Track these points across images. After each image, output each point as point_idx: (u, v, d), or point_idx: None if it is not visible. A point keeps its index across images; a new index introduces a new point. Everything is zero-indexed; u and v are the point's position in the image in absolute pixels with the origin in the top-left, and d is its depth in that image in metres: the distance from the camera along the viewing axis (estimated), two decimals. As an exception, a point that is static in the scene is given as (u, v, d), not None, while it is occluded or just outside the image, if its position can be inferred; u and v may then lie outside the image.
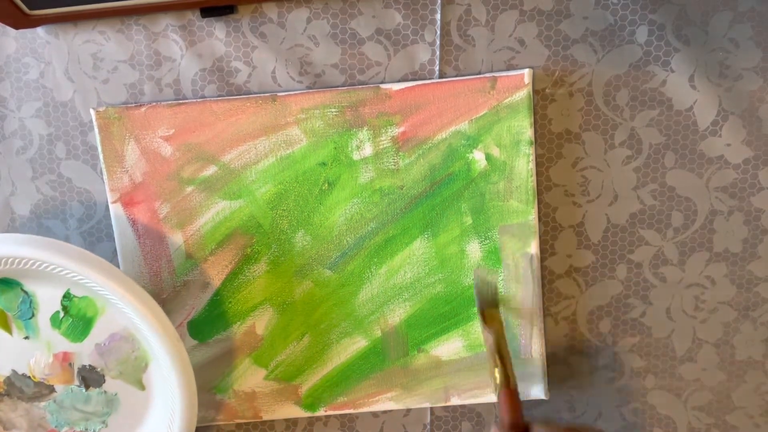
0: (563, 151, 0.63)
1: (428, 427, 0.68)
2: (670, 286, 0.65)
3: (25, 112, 0.63)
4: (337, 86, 0.62)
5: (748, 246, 0.64)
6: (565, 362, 0.67)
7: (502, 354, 0.58)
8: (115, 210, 0.62)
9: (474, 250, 0.63)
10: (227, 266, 0.63)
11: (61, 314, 0.60)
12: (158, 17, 0.61)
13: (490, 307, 0.62)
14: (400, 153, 0.61)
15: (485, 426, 0.68)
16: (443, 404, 0.66)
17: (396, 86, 0.60)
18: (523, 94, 0.60)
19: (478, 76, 0.60)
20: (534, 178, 0.61)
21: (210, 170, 0.62)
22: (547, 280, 0.65)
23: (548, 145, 0.62)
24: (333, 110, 0.60)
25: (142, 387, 0.62)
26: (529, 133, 0.60)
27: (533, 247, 0.62)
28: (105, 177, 0.62)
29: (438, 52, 0.61)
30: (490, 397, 0.66)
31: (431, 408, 0.68)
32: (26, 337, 0.60)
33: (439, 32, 0.61)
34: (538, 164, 0.62)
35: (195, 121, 0.61)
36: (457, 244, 0.63)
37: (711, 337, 0.66)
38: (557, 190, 0.63)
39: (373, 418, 0.68)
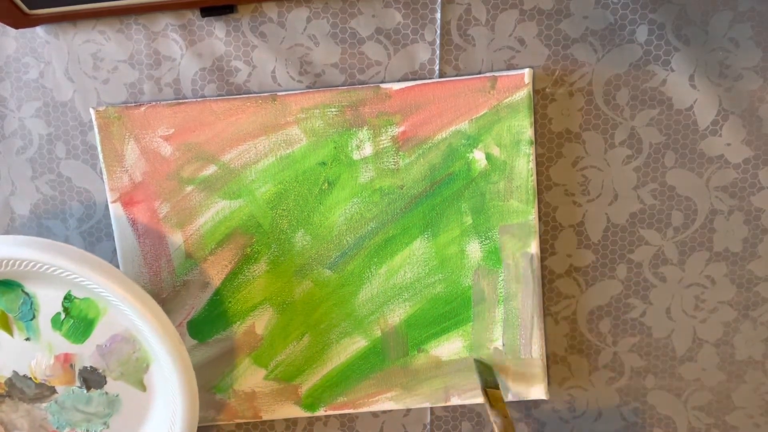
0: (563, 151, 0.63)
1: (428, 427, 0.68)
2: (670, 285, 0.65)
3: (25, 111, 0.63)
4: (337, 86, 0.62)
5: (748, 245, 0.64)
6: (565, 362, 0.67)
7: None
8: (115, 210, 0.62)
9: (474, 249, 0.63)
10: (227, 266, 0.63)
11: (62, 316, 0.59)
12: (158, 17, 0.61)
13: (491, 387, 0.63)
14: (400, 153, 0.61)
15: (485, 426, 0.68)
16: (443, 404, 0.66)
17: (396, 86, 0.60)
18: (523, 93, 0.60)
19: (478, 75, 0.60)
20: (534, 177, 0.61)
21: (210, 170, 0.62)
22: (547, 279, 0.65)
23: (548, 145, 0.62)
24: (333, 110, 0.60)
25: (144, 388, 0.62)
26: (529, 132, 0.60)
27: (533, 247, 0.62)
28: (105, 177, 0.62)
29: (438, 52, 0.61)
30: (490, 396, 0.66)
31: (431, 408, 0.68)
32: (27, 339, 0.60)
33: (439, 32, 0.61)
34: (538, 164, 0.62)
35: (195, 120, 0.61)
36: (458, 244, 0.63)
37: (711, 337, 0.66)
38: (557, 190, 0.63)
39: (373, 418, 0.68)
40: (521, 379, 0.65)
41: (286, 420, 0.68)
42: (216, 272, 0.63)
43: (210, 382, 0.65)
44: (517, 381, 0.65)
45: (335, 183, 0.62)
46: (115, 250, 0.64)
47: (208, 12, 0.60)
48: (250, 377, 0.65)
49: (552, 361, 0.67)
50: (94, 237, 0.65)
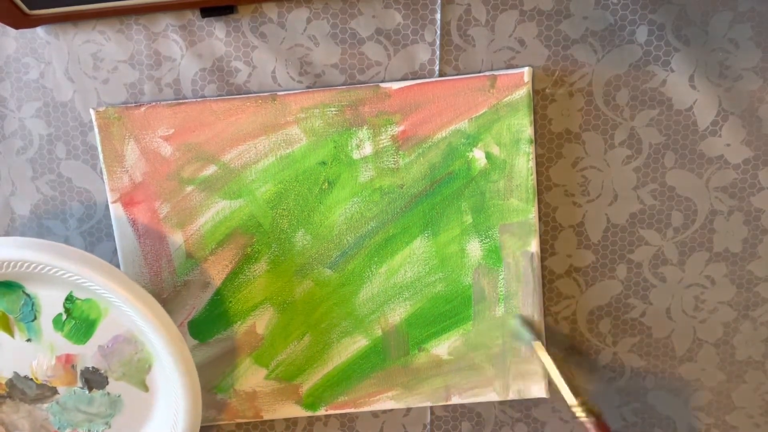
0: (563, 151, 0.63)
1: (428, 426, 0.68)
2: (670, 286, 0.65)
3: (25, 112, 0.63)
4: (337, 86, 0.62)
5: (748, 246, 0.64)
6: (565, 362, 0.67)
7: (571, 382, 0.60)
8: (115, 210, 0.62)
9: (474, 248, 0.63)
10: (227, 266, 0.63)
11: (64, 316, 0.59)
12: (158, 17, 0.61)
13: (538, 339, 0.63)
14: (400, 152, 0.61)
15: (485, 425, 0.68)
16: (444, 403, 0.66)
17: (396, 85, 0.60)
18: (522, 92, 0.60)
19: (477, 74, 0.60)
20: (534, 176, 0.61)
21: (210, 170, 0.62)
22: (547, 279, 0.65)
23: (548, 145, 0.62)
24: (333, 109, 0.60)
25: (146, 388, 0.62)
26: (529, 131, 0.60)
27: (533, 246, 0.62)
28: (105, 177, 0.62)
29: (438, 52, 0.61)
30: (491, 396, 0.65)
31: (431, 408, 0.68)
32: (28, 340, 0.60)
33: (439, 32, 0.61)
34: (538, 164, 0.63)
35: (195, 120, 0.61)
36: (458, 243, 0.63)
37: (711, 337, 0.66)
38: (557, 190, 0.63)
39: (373, 418, 0.68)
40: (522, 377, 0.65)
41: (287, 420, 0.68)
42: (216, 272, 0.63)
43: (211, 382, 0.65)
44: (517, 379, 0.65)
45: (335, 182, 0.62)
46: (115, 250, 0.64)
47: (208, 12, 0.60)
48: (251, 377, 0.65)
49: (552, 360, 0.67)
50: (95, 237, 0.65)
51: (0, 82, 0.62)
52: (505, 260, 0.63)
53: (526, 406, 0.68)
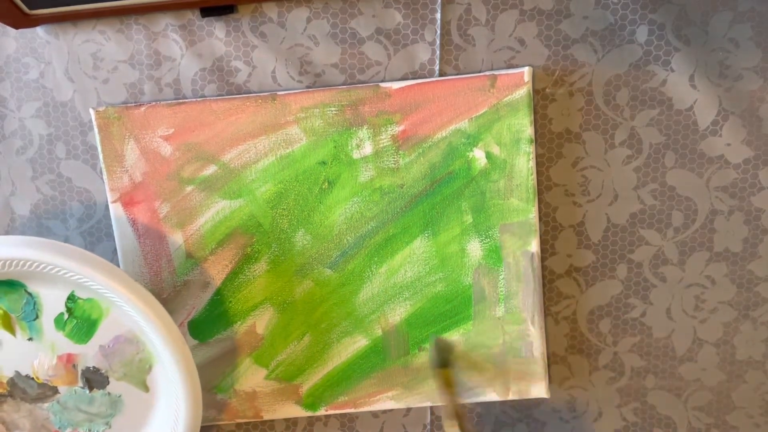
0: (563, 151, 0.63)
1: (428, 427, 0.68)
2: (670, 285, 0.65)
3: (25, 112, 0.63)
4: (337, 86, 0.62)
5: (748, 246, 0.64)
6: (565, 362, 0.67)
7: (458, 417, 0.59)
8: (115, 210, 0.62)
9: (474, 248, 0.63)
10: (227, 266, 0.63)
11: (66, 316, 0.59)
12: (158, 17, 0.61)
13: (444, 367, 0.63)
14: (400, 152, 0.61)
15: (485, 425, 0.68)
16: (444, 403, 0.66)
17: (396, 85, 0.60)
18: (522, 92, 0.60)
19: (477, 74, 0.60)
20: (534, 176, 0.61)
21: (210, 170, 0.62)
22: (547, 279, 0.65)
23: (548, 145, 0.62)
24: (333, 109, 0.60)
25: (147, 389, 0.62)
26: (529, 131, 0.60)
27: (534, 245, 0.62)
28: (105, 177, 0.62)
29: (438, 52, 0.61)
30: (491, 396, 0.65)
31: (431, 408, 0.68)
32: (30, 339, 0.60)
33: (439, 32, 0.61)
34: (538, 164, 0.63)
35: (195, 120, 0.61)
36: (458, 243, 0.63)
37: (711, 337, 0.66)
38: (557, 190, 0.63)
39: (373, 418, 0.68)
40: (522, 377, 0.65)
41: (286, 420, 0.68)
42: (216, 272, 0.63)
43: (211, 382, 0.65)
44: (517, 379, 0.65)
45: (335, 182, 0.62)
46: (115, 250, 0.64)
47: (208, 12, 0.60)
48: (251, 377, 0.65)
49: (552, 361, 0.67)
50: (95, 237, 0.65)
51: (0, 82, 0.62)
52: (506, 260, 0.63)
53: (526, 406, 0.68)
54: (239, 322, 0.64)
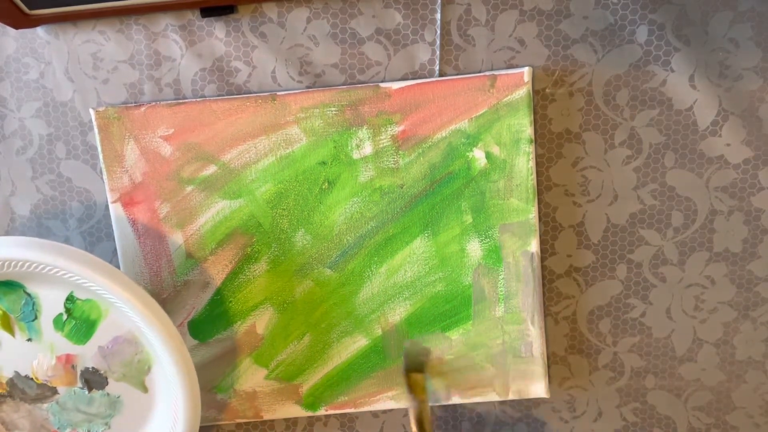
0: (563, 151, 0.63)
1: (428, 427, 0.68)
2: (670, 286, 0.65)
3: (25, 112, 0.63)
4: (337, 86, 0.62)
5: (748, 246, 0.64)
6: (565, 362, 0.67)
7: (423, 423, 0.59)
8: (115, 210, 0.62)
9: (474, 248, 0.63)
10: (227, 266, 0.63)
11: (65, 317, 0.59)
12: (158, 17, 0.61)
13: (415, 371, 0.63)
14: (400, 152, 0.61)
15: (485, 425, 0.68)
16: (444, 403, 0.66)
17: (396, 85, 0.60)
18: (522, 92, 0.60)
19: (477, 74, 0.60)
20: (534, 176, 0.61)
21: (210, 170, 0.62)
22: (547, 279, 0.65)
23: (548, 145, 0.62)
24: (332, 109, 0.60)
25: (145, 389, 0.62)
26: (528, 131, 0.60)
27: (534, 245, 0.62)
28: (105, 177, 0.62)
29: (438, 52, 0.61)
30: (491, 396, 0.65)
31: (431, 408, 0.68)
32: (29, 339, 0.60)
33: (439, 32, 0.61)
34: (538, 164, 0.63)
35: (195, 120, 0.61)
36: (458, 243, 0.63)
37: (711, 337, 0.66)
38: (557, 190, 0.63)
39: (373, 418, 0.68)
40: (522, 377, 0.65)
41: (286, 420, 0.68)
42: (216, 272, 0.63)
43: (211, 382, 0.65)
44: (517, 379, 0.65)
45: (335, 182, 0.62)
46: (115, 250, 0.64)
47: (208, 12, 0.60)
48: (251, 377, 0.65)
49: (552, 361, 0.67)
50: (95, 237, 0.65)
51: (0, 82, 0.62)
52: (505, 260, 0.63)
53: (526, 406, 0.68)
54: (239, 322, 0.64)
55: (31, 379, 0.61)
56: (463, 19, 0.61)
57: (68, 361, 0.60)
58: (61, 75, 0.62)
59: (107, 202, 0.63)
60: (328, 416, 0.68)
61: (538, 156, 0.62)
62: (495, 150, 0.61)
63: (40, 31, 0.61)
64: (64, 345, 0.60)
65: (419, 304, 0.64)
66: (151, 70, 0.62)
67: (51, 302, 0.59)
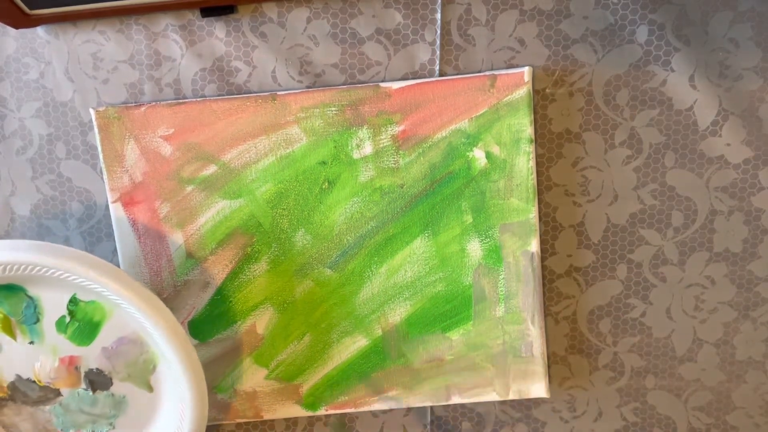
0: (563, 151, 0.63)
1: (428, 427, 0.68)
2: (670, 286, 0.65)
3: (25, 112, 0.63)
4: (337, 86, 0.62)
5: (748, 246, 0.64)
6: (565, 362, 0.67)
7: None
8: (115, 210, 0.62)
9: (474, 248, 0.63)
10: (228, 265, 0.63)
11: (67, 319, 0.59)
12: (158, 17, 0.61)
13: None
14: (401, 151, 0.61)
15: (485, 426, 0.68)
16: (444, 403, 0.66)
17: (396, 85, 0.60)
18: (522, 92, 0.60)
19: (477, 74, 0.60)
20: (534, 176, 0.61)
21: (210, 169, 0.62)
22: (547, 279, 0.65)
23: (548, 145, 0.62)
24: (333, 109, 0.60)
25: (151, 389, 0.61)
26: (529, 131, 0.60)
27: (534, 245, 0.62)
28: (105, 177, 0.62)
29: (438, 52, 0.61)
30: (491, 396, 0.65)
31: (431, 408, 0.68)
32: (31, 342, 0.60)
33: (439, 32, 0.61)
34: (538, 164, 0.63)
35: (195, 120, 0.61)
36: (458, 243, 0.63)
37: (711, 337, 0.66)
38: (557, 190, 0.63)
39: (373, 418, 0.68)
40: (522, 377, 0.65)
41: (287, 420, 0.68)
42: (217, 272, 0.63)
43: (211, 382, 0.65)
44: (517, 379, 0.65)
45: (335, 182, 0.62)
46: (115, 250, 0.64)
47: (208, 12, 0.60)
48: (251, 377, 0.65)
49: (552, 360, 0.67)
50: (95, 237, 0.65)
51: (0, 82, 0.62)
52: (506, 260, 0.63)
53: (526, 406, 0.68)
54: (239, 322, 0.64)
55: (33, 381, 0.61)
56: (463, 19, 0.61)
57: (71, 363, 0.60)
58: (61, 75, 0.62)
59: (107, 202, 0.63)
60: (328, 416, 0.68)
61: (538, 156, 0.62)
62: (495, 150, 0.61)
63: (40, 31, 0.61)
64: (68, 347, 0.60)
65: (419, 305, 0.64)
66: (151, 70, 0.62)
67: (53, 305, 0.59)
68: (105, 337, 0.60)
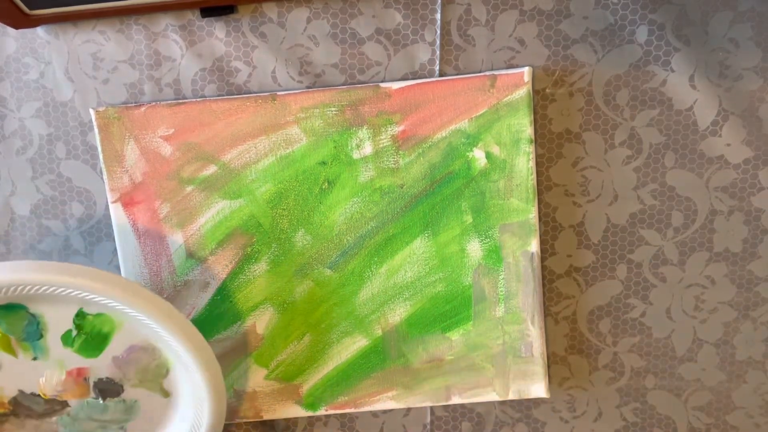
0: (563, 151, 0.63)
1: (428, 426, 0.68)
2: (670, 286, 0.65)
3: (25, 112, 0.63)
4: (337, 86, 0.62)
5: (748, 246, 0.64)
6: (565, 362, 0.67)
7: None
8: (115, 210, 0.62)
9: (474, 248, 0.63)
10: (228, 266, 0.63)
11: (74, 333, 0.58)
12: (158, 17, 0.61)
13: None
14: (400, 152, 0.61)
15: (485, 426, 0.68)
16: (444, 403, 0.66)
17: (396, 85, 0.60)
18: (522, 92, 0.60)
19: (477, 74, 0.60)
20: (534, 176, 0.61)
21: (210, 170, 0.62)
22: (547, 279, 0.65)
23: (548, 145, 0.62)
24: (333, 109, 0.60)
25: (165, 393, 0.61)
26: (528, 131, 0.60)
27: (534, 245, 0.62)
28: (105, 177, 0.62)
29: (438, 52, 0.61)
30: (491, 396, 0.65)
31: (431, 408, 0.68)
32: (35, 358, 0.59)
33: (439, 32, 0.61)
34: (538, 164, 0.63)
35: (195, 120, 0.61)
36: (458, 243, 0.63)
37: (711, 337, 0.66)
38: (557, 190, 0.63)
39: (373, 418, 0.68)
40: (522, 377, 0.65)
41: (287, 420, 0.68)
42: (217, 272, 0.63)
43: (210, 382, 0.66)
44: (517, 379, 0.65)
45: (335, 182, 0.62)
46: (115, 250, 0.64)
47: (208, 12, 0.60)
48: (251, 377, 0.65)
49: (552, 361, 0.67)
50: (95, 237, 0.65)
51: (0, 82, 0.62)
52: (505, 260, 0.63)
53: (526, 406, 0.68)
54: (239, 322, 0.64)
55: (38, 395, 0.60)
56: (463, 19, 0.61)
57: (80, 375, 0.59)
58: (61, 75, 0.62)
59: (107, 202, 0.63)
60: (328, 416, 0.68)
61: (538, 156, 0.62)
62: (495, 150, 0.61)
63: (40, 31, 0.61)
64: (75, 359, 0.59)
65: (419, 305, 0.64)
66: (151, 70, 0.62)
67: (57, 320, 0.57)
68: (115, 347, 0.59)
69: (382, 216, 0.62)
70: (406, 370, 0.65)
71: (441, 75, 0.62)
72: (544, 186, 0.63)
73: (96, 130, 0.61)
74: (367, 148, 0.61)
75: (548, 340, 0.66)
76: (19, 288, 0.54)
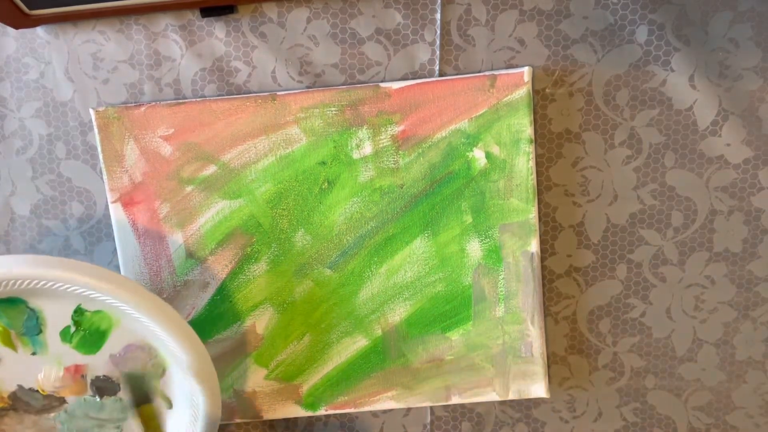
0: (563, 151, 0.63)
1: (428, 427, 0.68)
2: (670, 286, 0.65)
3: (25, 112, 0.63)
4: (337, 86, 0.62)
5: (748, 246, 0.64)
6: (565, 362, 0.67)
7: None
8: (115, 210, 0.62)
9: (474, 248, 0.63)
10: (227, 266, 0.63)
11: (72, 329, 0.58)
12: (158, 17, 0.61)
13: (142, 404, 0.62)
14: (400, 152, 0.61)
15: (485, 426, 0.68)
16: (444, 403, 0.66)
17: (396, 85, 0.60)
18: (522, 92, 0.60)
19: (477, 74, 0.60)
20: (534, 176, 0.61)
21: (210, 170, 0.62)
22: (547, 279, 0.65)
23: (548, 145, 0.62)
24: (332, 109, 0.60)
25: (162, 394, 0.61)
26: (528, 131, 0.60)
27: (533, 245, 0.62)
28: (105, 177, 0.62)
29: (438, 52, 0.61)
30: (491, 396, 0.65)
31: (431, 408, 0.68)
32: (34, 353, 0.59)
33: (439, 32, 0.61)
34: (538, 164, 0.63)
35: (195, 120, 0.61)
36: (458, 243, 0.63)
37: (711, 337, 0.66)
38: (557, 190, 0.63)
39: (373, 418, 0.68)
40: (522, 377, 0.65)
41: (287, 420, 0.68)
42: (216, 272, 0.63)
43: (210, 382, 0.66)
44: (517, 379, 0.65)
45: (335, 182, 0.62)
46: (115, 250, 0.64)
47: (208, 12, 0.60)
48: (251, 377, 0.65)
49: (552, 361, 0.67)
50: (95, 237, 0.65)
51: (0, 82, 0.62)
52: (505, 260, 0.63)
53: (526, 406, 0.68)
54: (239, 322, 0.64)
55: (36, 391, 0.60)
56: (463, 19, 0.61)
57: (77, 372, 0.60)
58: (61, 75, 0.62)
59: (107, 202, 0.63)
60: (328, 416, 0.68)
61: (538, 156, 0.62)
62: (495, 150, 0.61)
63: (40, 31, 0.61)
64: (73, 356, 0.59)
65: (419, 305, 0.64)
66: (151, 70, 0.62)
67: (56, 316, 0.58)
68: (112, 344, 0.59)
69: (382, 216, 0.62)
70: (406, 370, 0.65)
71: (441, 75, 0.62)
72: (544, 186, 0.63)
73: (96, 130, 0.61)
74: (367, 148, 0.61)
75: (548, 340, 0.66)
76: (18, 282, 0.54)
